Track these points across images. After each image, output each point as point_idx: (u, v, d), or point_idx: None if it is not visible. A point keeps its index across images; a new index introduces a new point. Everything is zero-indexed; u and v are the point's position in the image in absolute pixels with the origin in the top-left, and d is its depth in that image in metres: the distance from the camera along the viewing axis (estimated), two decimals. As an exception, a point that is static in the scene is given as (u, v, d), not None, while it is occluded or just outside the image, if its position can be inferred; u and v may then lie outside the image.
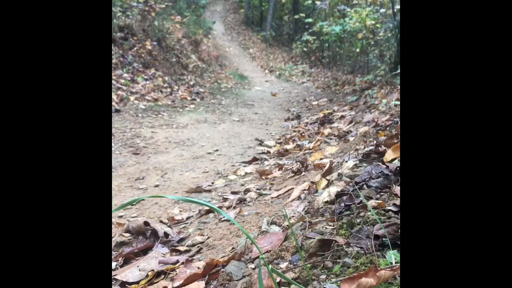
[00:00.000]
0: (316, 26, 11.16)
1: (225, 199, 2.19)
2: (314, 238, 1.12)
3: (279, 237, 1.27)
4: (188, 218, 2.01)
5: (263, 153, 3.57)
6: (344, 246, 1.05)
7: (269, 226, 1.44)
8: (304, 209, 1.52)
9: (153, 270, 1.36)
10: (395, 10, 6.45)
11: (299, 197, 1.74)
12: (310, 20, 12.69)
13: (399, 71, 3.49)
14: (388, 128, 2.72)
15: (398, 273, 0.86)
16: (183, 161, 3.44)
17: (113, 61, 6.73)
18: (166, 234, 1.69)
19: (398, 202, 1.22)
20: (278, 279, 0.97)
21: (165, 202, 2.32)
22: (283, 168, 2.64)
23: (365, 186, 1.44)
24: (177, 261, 1.41)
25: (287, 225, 1.40)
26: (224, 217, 1.84)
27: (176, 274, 1.29)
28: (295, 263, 1.07)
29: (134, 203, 2.34)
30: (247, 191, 2.24)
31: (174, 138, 4.28)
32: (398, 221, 1.07)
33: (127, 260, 1.55)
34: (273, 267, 0.83)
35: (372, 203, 1.24)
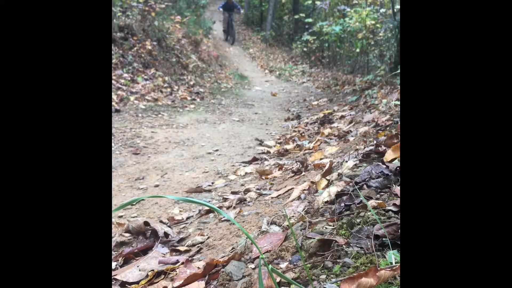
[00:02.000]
0: (316, 26, 11.15)
1: (225, 199, 2.19)
2: (314, 238, 1.12)
3: (279, 237, 1.27)
4: (188, 218, 2.01)
5: (263, 153, 3.57)
6: (344, 246, 1.05)
7: (269, 226, 1.44)
8: (304, 209, 1.52)
9: (153, 270, 1.36)
10: (395, 10, 6.44)
11: (299, 197, 1.74)
12: (310, 20, 12.67)
13: (399, 71, 3.49)
14: (388, 128, 2.72)
15: (398, 273, 0.86)
16: (183, 161, 3.44)
17: (113, 61, 6.73)
18: (166, 234, 1.69)
19: (398, 202, 1.22)
20: (278, 279, 0.97)
21: (165, 202, 2.32)
22: (283, 168, 2.64)
23: (365, 186, 1.44)
24: (177, 261, 1.41)
25: (287, 225, 1.40)
26: (224, 217, 1.84)
27: (176, 274, 1.29)
28: (295, 263, 1.07)
29: (134, 203, 2.34)
30: (247, 191, 2.24)
31: (174, 138, 4.28)
32: (398, 221, 1.07)
33: (127, 260, 1.55)
34: (273, 267, 0.83)
35: (372, 203, 1.24)
